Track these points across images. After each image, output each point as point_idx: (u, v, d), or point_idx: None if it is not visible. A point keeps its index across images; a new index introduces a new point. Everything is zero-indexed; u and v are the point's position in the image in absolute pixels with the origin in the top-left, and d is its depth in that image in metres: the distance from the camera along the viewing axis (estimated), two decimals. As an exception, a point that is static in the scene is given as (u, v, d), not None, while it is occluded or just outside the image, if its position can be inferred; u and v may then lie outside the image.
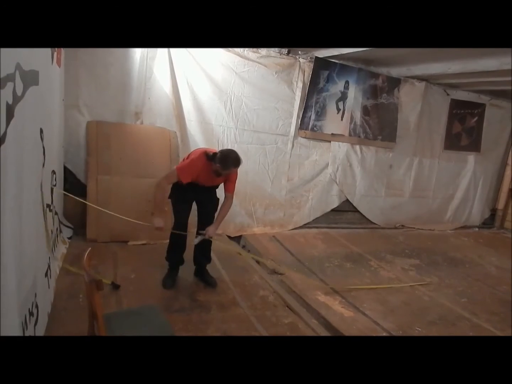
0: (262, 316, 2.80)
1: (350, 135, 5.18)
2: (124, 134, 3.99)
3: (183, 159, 3.05)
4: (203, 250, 3.11)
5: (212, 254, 3.26)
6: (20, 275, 1.51)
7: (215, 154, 2.76)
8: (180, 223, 2.94)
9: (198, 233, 2.96)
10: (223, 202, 2.98)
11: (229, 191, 2.95)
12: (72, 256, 3.25)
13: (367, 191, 5.48)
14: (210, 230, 2.88)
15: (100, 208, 3.32)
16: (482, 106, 6.10)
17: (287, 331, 2.65)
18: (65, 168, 3.86)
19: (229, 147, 4.47)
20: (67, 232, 3.71)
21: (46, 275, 2.36)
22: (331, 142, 5.10)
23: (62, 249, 3.32)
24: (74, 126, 3.88)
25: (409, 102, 5.48)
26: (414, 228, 5.84)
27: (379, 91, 5.23)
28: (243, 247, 4.38)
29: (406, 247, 4.91)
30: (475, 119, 6.12)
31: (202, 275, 3.15)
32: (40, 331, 2.08)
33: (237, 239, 4.52)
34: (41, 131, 2.25)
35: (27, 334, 1.67)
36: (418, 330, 2.84)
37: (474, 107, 6.06)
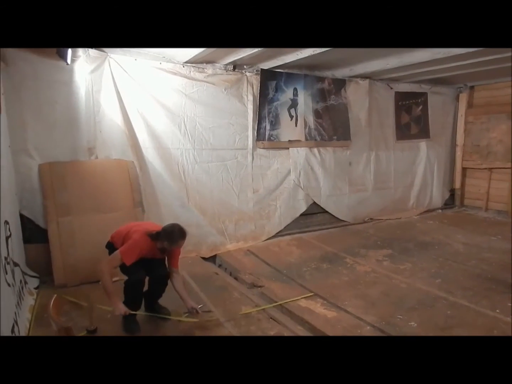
0: (247, 332, 2.76)
1: (306, 139, 5.31)
2: (79, 172, 3.87)
3: (122, 233, 2.88)
4: (157, 292, 2.99)
5: (188, 277, 3.20)
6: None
7: (158, 233, 2.72)
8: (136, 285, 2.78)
9: (187, 313, 2.86)
10: (174, 279, 2.86)
11: (175, 265, 2.88)
12: (41, 307, 3.08)
13: (332, 191, 5.62)
14: (193, 304, 2.84)
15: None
16: (424, 95, 6.46)
17: (274, 343, 2.63)
18: (21, 215, 3.68)
19: (190, 169, 4.49)
20: (33, 282, 3.52)
21: (12, 331, 2.22)
22: (290, 148, 5.21)
23: (29, 301, 3.14)
24: (25, 171, 3.72)
25: (357, 100, 5.72)
26: (382, 219, 6.02)
27: (327, 93, 5.42)
28: (219, 266, 4.34)
29: (378, 239, 5.04)
30: (420, 107, 6.47)
31: (154, 310, 3.00)
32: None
33: (212, 259, 4.47)
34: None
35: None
36: (399, 318, 2.91)
37: (417, 97, 6.41)
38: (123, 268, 2.73)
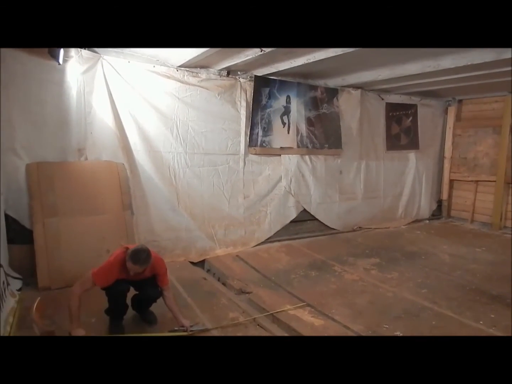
0: (234, 339, 2.74)
1: (298, 146, 5.34)
2: (68, 173, 3.82)
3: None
4: (144, 308, 2.96)
5: (176, 282, 3.16)
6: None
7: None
8: (117, 297, 2.75)
9: (173, 330, 2.77)
10: (165, 297, 2.79)
11: (164, 284, 2.78)
12: (24, 309, 3.01)
13: (322, 198, 5.65)
14: (184, 322, 2.76)
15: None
16: (414, 106, 6.56)
17: (261, 350, 2.62)
18: (6, 215, 3.61)
19: (181, 172, 4.47)
20: (15, 284, 3.44)
21: (-6, 334, 2.17)
22: (281, 155, 5.23)
23: (11, 303, 3.07)
24: (12, 171, 3.65)
25: (349, 110, 5.78)
26: (371, 228, 6.07)
27: (320, 102, 5.47)
28: (208, 271, 4.31)
29: (366, 247, 5.08)
30: (410, 119, 6.57)
31: (142, 314, 2.98)
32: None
33: (201, 263, 4.44)
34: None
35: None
36: (385, 328, 2.92)
37: (407, 108, 6.51)
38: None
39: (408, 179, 6.66)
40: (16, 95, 3.58)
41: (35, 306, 1.73)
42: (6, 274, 3.30)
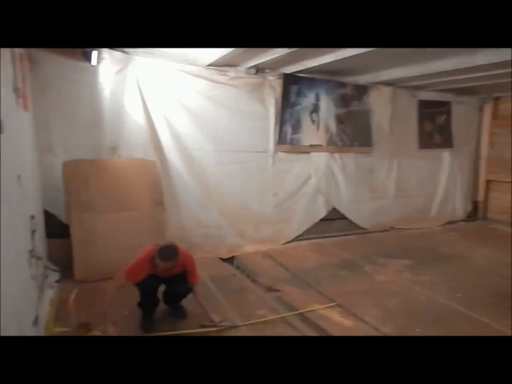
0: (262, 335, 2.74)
1: (328, 144, 5.27)
2: (102, 170, 3.94)
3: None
4: (175, 303, 3.01)
5: (206, 278, 3.19)
6: (2, 327, 1.44)
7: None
8: (148, 291, 2.82)
9: (203, 325, 2.81)
10: (195, 294, 2.85)
11: (193, 280, 2.83)
12: (61, 301, 3.13)
13: (352, 197, 5.54)
14: (214, 318, 2.81)
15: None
16: (448, 104, 6.32)
17: (290, 349, 2.61)
18: (45, 211, 3.77)
19: (211, 170, 4.51)
20: (53, 276, 3.59)
21: (34, 323, 2.27)
22: (311, 153, 5.17)
23: (50, 294, 3.20)
24: (50, 168, 3.81)
25: (380, 107, 5.64)
26: (402, 228, 5.90)
27: (349, 99, 5.37)
28: (237, 267, 4.32)
29: (398, 248, 4.94)
30: (444, 117, 6.33)
31: (172, 308, 3.03)
32: None
33: (230, 260, 4.46)
34: (19, 177, 2.21)
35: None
36: (418, 331, 2.83)
37: (441, 106, 6.28)
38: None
39: (442, 179, 6.42)
40: (52, 97, 3.73)
41: (72, 297, 1.79)
42: (45, 267, 3.45)
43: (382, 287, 3.66)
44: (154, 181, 4.12)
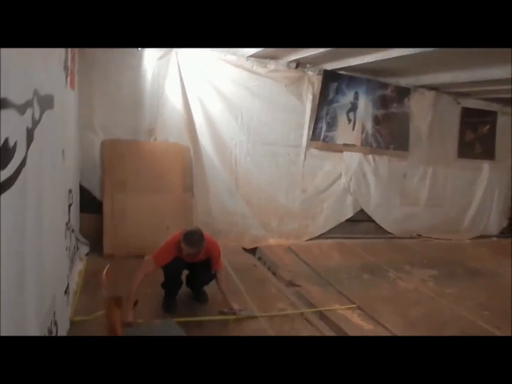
0: (280, 329, 2.76)
1: (362, 144, 5.17)
2: (138, 151, 4.05)
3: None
4: (198, 288, 3.07)
5: (228, 267, 3.23)
6: (40, 294, 1.52)
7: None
8: (172, 273, 2.87)
9: (222, 312, 2.86)
10: (217, 280, 2.88)
11: (217, 267, 2.87)
12: (89, 273, 3.27)
13: (382, 200, 5.42)
14: (234, 306, 2.84)
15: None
16: (493, 114, 6.03)
17: (307, 345, 2.61)
18: (81, 186, 3.91)
19: (242, 160, 4.54)
20: (83, 249, 3.74)
21: (65, 292, 2.38)
22: (344, 152, 5.10)
23: (79, 266, 3.34)
24: (89, 145, 3.95)
25: (420, 111, 5.46)
26: (431, 237, 5.73)
27: (389, 100, 5.23)
28: (259, 259, 4.34)
29: (424, 257, 4.81)
30: (487, 127, 6.05)
31: (194, 292, 3.09)
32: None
33: (252, 251, 4.49)
34: (63, 152, 2.30)
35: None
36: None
37: (485, 115, 6.00)
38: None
39: (479, 191, 6.16)
40: (97, 77, 3.86)
41: (105, 271, 1.86)
42: (77, 239, 3.60)
43: (405, 295, 3.59)
44: (186, 166, 4.20)
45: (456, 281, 4.10)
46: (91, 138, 3.97)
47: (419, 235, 5.73)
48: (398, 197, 5.56)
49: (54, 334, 1.89)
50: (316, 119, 4.83)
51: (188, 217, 4.07)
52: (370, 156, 5.27)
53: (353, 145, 5.13)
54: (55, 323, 1.94)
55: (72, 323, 2.50)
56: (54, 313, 1.92)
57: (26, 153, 1.26)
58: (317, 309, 3.10)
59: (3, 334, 1.00)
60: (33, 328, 1.41)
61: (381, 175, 5.38)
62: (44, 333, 1.67)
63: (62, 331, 2.19)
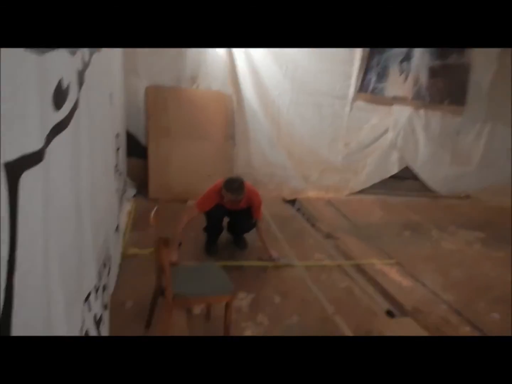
0: (317, 278, 2.81)
1: (413, 98, 4.84)
2: (180, 98, 4.05)
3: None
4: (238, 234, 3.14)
5: (268, 215, 3.27)
6: (94, 230, 1.61)
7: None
8: (214, 218, 2.97)
9: (261, 259, 2.94)
10: (257, 229, 2.95)
11: (258, 216, 2.91)
12: (136, 213, 3.44)
13: (431, 158, 5.14)
14: (273, 253, 2.91)
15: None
16: None
17: (343, 295, 2.65)
18: (127, 131, 4.01)
19: (285, 110, 4.43)
20: (130, 191, 3.92)
21: (116, 230, 2.52)
22: (393, 105, 4.81)
23: (127, 206, 3.52)
24: (133, 91, 3.99)
25: (483, 63, 4.95)
26: (480, 199, 5.43)
27: (448, 50, 4.77)
28: (298, 210, 4.33)
29: (471, 218, 4.58)
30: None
31: (235, 238, 3.19)
32: (112, 280, 2.26)
33: (291, 202, 4.50)
34: (110, 96, 2.33)
35: (102, 283, 1.80)
36: (481, 305, 2.69)
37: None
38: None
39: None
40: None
41: (153, 213, 1.94)
42: (124, 182, 3.76)
43: (447, 255, 3.49)
44: (228, 115, 4.17)
45: (505, 244, 3.87)
46: (135, 83, 4.00)
47: (468, 196, 5.45)
48: (449, 155, 5.23)
49: (107, 267, 2.03)
50: (366, 69, 4.54)
51: (229, 166, 4.11)
52: (421, 111, 4.94)
53: (404, 98, 4.81)
54: (109, 258, 2.08)
55: (124, 257, 2.70)
56: (108, 248, 2.06)
57: (78, 96, 1.28)
58: (355, 262, 3.11)
59: (66, 264, 1.07)
60: (90, 259, 1.51)
61: (432, 131, 5.05)
62: (100, 265, 1.79)
63: (115, 265, 2.35)
